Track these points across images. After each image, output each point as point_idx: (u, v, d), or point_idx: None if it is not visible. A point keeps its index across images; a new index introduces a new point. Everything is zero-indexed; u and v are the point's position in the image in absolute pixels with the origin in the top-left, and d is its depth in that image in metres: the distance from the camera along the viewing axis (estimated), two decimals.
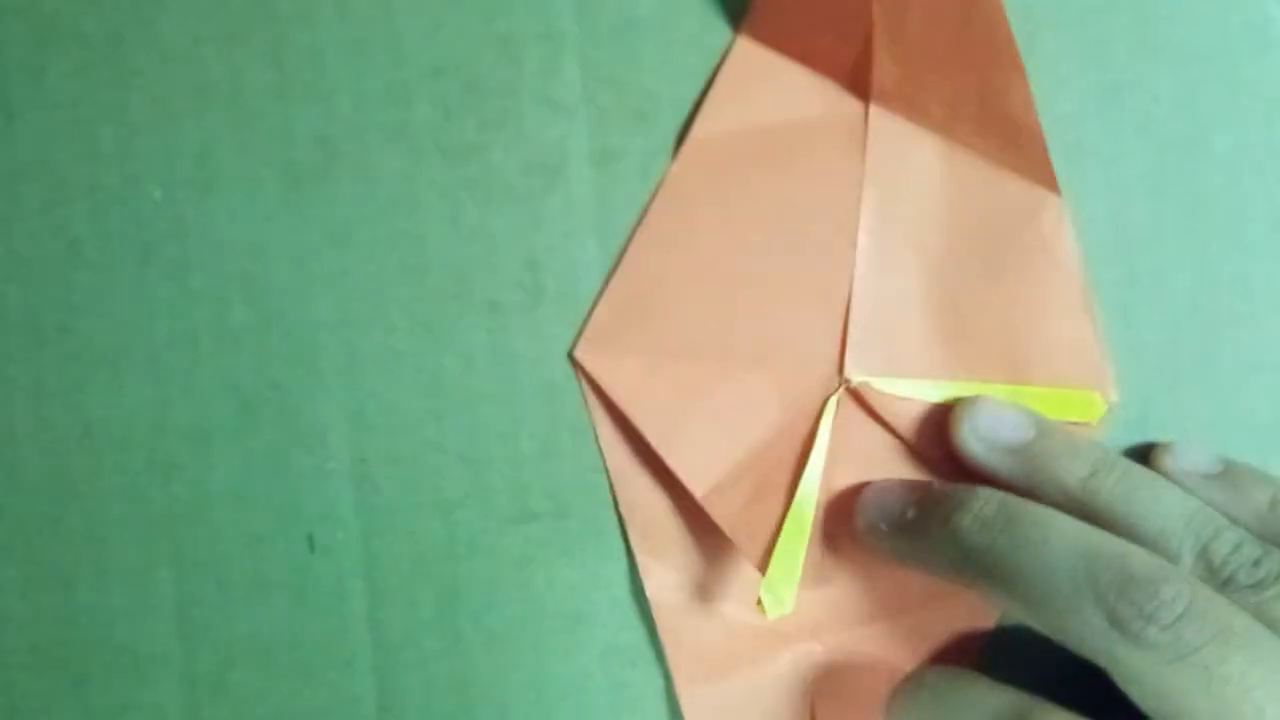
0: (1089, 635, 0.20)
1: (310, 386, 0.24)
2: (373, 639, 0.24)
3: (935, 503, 0.23)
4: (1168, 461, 0.24)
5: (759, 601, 0.22)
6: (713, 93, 0.24)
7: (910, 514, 0.23)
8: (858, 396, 0.25)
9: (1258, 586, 0.21)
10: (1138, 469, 0.23)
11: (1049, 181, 0.25)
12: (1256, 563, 0.22)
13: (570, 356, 0.25)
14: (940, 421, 0.25)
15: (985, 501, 0.22)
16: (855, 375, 0.24)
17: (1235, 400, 0.26)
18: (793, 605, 0.22)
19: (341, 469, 0.24)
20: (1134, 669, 0.20)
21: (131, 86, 0.24)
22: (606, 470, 0.25)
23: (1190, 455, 0.24)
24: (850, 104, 0.25)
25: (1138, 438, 0.26)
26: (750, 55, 0.24)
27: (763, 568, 0.22)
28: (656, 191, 0.24)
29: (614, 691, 0.25)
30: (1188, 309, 0.26)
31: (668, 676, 0.25)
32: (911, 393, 0.25)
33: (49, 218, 0.24)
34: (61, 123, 0.24)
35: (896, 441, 0.25)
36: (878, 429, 0.25)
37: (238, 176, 0.24)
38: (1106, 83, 0.25)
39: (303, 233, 0.24)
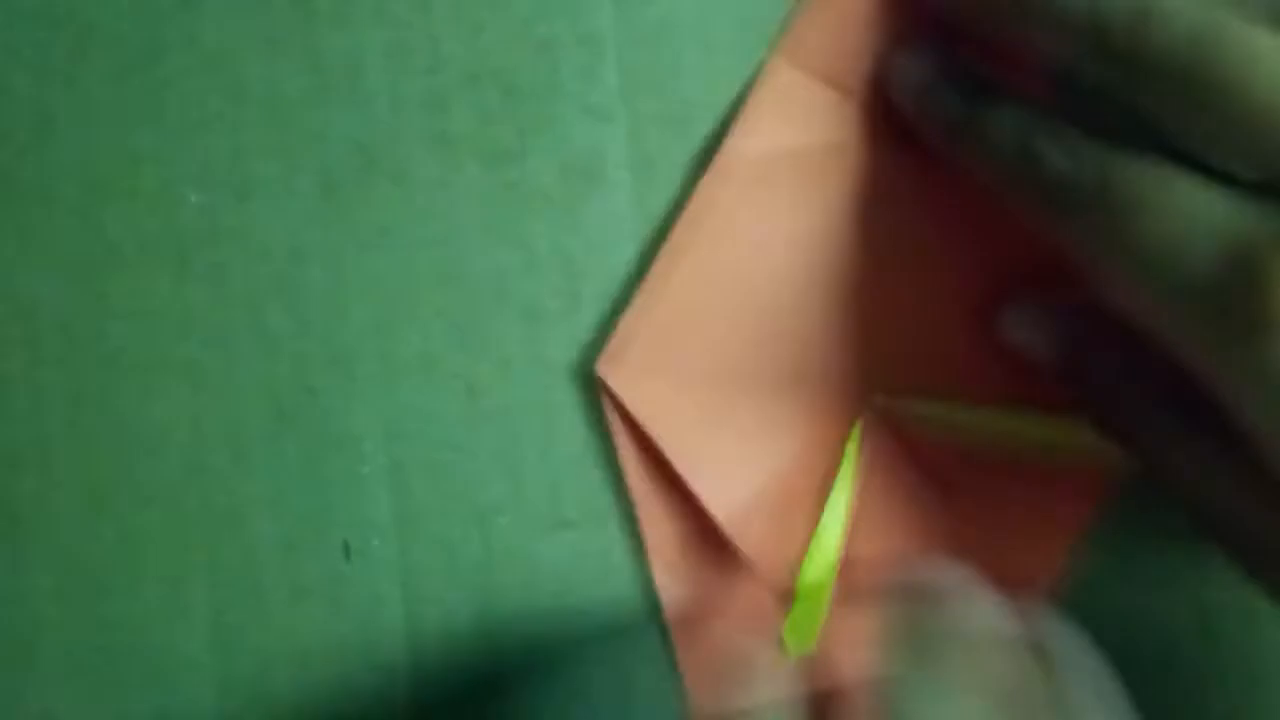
0: None
1: (346, 392, 0.24)
2: (409, 647, 0.24)
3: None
4: None
5: (781, 640, 0.22)
6: (744, 112, 0.24)
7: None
8: (886, 421, 0.24)
9: None
10: None
11: None
12: None
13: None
14: (969, 445, 0.24)
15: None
16: (883, 398, 0.24)
17: None
18: (814, 642, 0.22)
19: (377, 475, 0.24)
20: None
21: (169, 91, 0.24)
22: (627, 487, 0.25)
23: None
24: (883, 129, 0.24)
25: None
26: (783, 77, 0.24)
27: (784, 595, 0.22)
28: (683, 209, 0.24)
29: (654, 699, 0.25)
30: None
31: None
32: (941, 415, 0.24)
33: (85, 222, 0.24)
34: (99, 127, 0.24)
35: (925, 466, 0.25)
36: (905, 454, 0.25)
37: (274, 181, 0.24)
38: None
39: (339, 238, 0.24)
